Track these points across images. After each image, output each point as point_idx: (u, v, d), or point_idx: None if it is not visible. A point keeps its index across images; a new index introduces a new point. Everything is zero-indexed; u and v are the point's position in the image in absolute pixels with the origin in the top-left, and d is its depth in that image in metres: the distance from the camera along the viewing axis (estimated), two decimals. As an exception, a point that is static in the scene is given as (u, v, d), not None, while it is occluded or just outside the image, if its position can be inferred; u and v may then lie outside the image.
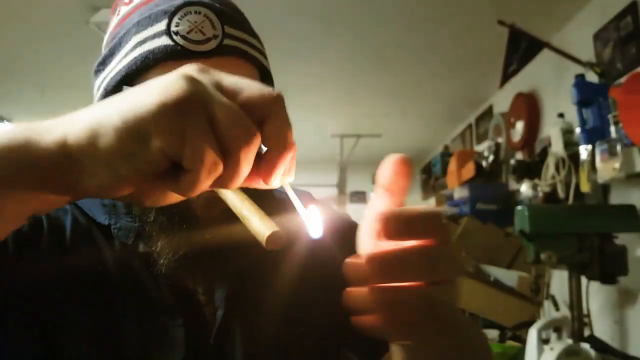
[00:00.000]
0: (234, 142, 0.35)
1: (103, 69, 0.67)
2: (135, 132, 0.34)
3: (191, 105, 0.34)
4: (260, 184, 0.39)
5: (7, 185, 0.37)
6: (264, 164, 0.38)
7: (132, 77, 0.62)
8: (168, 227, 0.62)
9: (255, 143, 0.36)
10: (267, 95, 0.37)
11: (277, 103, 0.37)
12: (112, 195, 0.38)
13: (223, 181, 0.36)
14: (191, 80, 0.35)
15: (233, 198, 0.46)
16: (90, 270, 0.62)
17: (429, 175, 5.40)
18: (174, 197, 0.40)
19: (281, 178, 0.39)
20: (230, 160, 0.36)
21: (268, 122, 0.37)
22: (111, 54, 0.65)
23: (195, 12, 0.60)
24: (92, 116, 0.37)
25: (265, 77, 0.69)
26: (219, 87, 0.37)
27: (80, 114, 0.38)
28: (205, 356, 0.63)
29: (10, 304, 0.57)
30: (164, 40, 0.60)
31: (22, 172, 0.37)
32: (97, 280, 0.62)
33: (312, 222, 0.42)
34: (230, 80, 0.37)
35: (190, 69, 0.37)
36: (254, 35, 0.67)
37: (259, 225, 0.42)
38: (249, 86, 0.37)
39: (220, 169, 0.36)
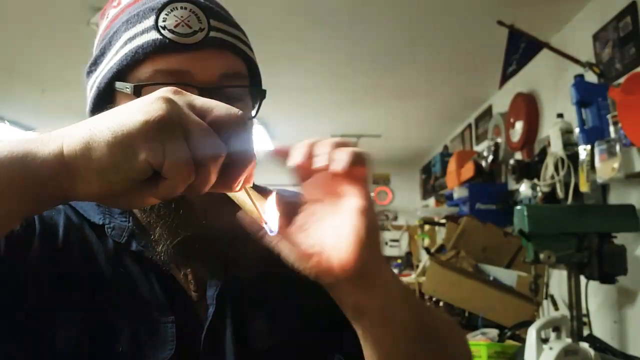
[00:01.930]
0: (204, 156, 0.41)
1: (95, 69, 0.68)
2: (125, 146, 0.39)
3: (170, 124, 0.40)
4: (223, 190, 0.45)
5: (9, 190, 0.41)
6: (229, 173, 0.43)
7: (123, 72, 0.64)
8: (165, 213, 0.64)
9: (222, 157, 0.42)
10: (233, 115, 0.43)
11: (240, 122, 0.43)
12: (101, 199, 0.43)
13: (194, 188, 0.42)
14: (168, 101, 0.41)
15: None
16: (83, 269, 0.63)
17: (429, 175, 5.40)
18: (151, 200, 0.45)
19: (242, 185, 0.46)
20: (201, 170, 0.41)
21: (233, 138, 0.43)
22: (102, 53, 0.67)
23: (181, 8, 0.63)
24: (84, 131, 0.41)
25: (251, 67, 0.71)
26: (192, 107, 0.42)
27: (72, 130, 0.43)
28: (196, 352, 0.64)
29: (1, 302, 0.58)
30: (153, 35, 0.62)
31: (23, 179, 0.41)
32: (90, 278, 0.63)
33: (272, 220, 0.49)
34: (201, 101, 0.43)
35: (166, 91, 0.42)
36: (238, 28, 0.69)
37: (254, 206, 0.49)
38: (217, 107, 0.43)
39: (193, 177, 0.41)
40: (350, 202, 0.48)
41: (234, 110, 0.43)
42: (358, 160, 0.47)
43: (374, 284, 0.51)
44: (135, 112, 0.40)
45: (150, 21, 0.63)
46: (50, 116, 4.30)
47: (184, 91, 0.43)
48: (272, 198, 0.50)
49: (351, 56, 3.04)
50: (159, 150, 0.39)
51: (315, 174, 0.49)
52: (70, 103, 3.94)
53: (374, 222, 0.48)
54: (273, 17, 2.48)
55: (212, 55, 0.63)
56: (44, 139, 0.43)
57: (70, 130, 0.43)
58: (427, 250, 3.46)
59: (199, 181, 0.42)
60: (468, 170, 3.47)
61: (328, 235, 0.49)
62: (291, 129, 4.93)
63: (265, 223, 0.49)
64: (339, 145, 0.48)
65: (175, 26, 0.62)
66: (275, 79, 3.26)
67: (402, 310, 0.55)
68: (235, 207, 0.53)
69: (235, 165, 0.43)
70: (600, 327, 2.04)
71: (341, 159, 0.46)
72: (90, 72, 0.69)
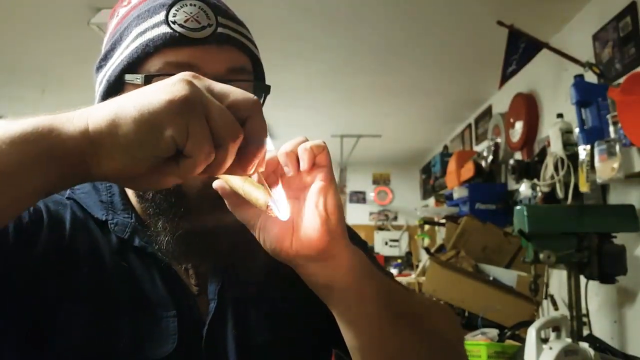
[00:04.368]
0: (224, 136, 0.43)
1: (105, 64, 0.70)
2: (151, 123, 0.41)
3: (193, 104, 0.41)
4: (238, 172, 0.47)
5: (34, 166, 0.42)
6: (243, 156, 0.46)
7: (133, 65, 0.65)
8: (165, 206, 0.65)
9: (240, 139, 0.44)
10: (249, 99, 0.45)
11: (256, 107, 0.45)
12: (124, 177, 0.44)
13: (212, 168, 0.44)
14: (190, 84, 0.42)
15: (234, 178, 0.54)
16: (88, 263, 0.64)
17: (429, 175, 5.40)
18: (171, 181, 0.47)
19: (255, 169, 0.48)
20: (220, 150, 0.43)
21: (248, 121, 0.45)
22: (112, 48, 0.69)
23: (191, 5, 0.65)
24: (110, 109, 0.43)
25: (255, 63, 0.72)
26: (210, 91, 0.44)
27: (97, 108, 0.44)
28: (198, 347, 0.65)
29: (6, 290, 0.59)
30: (163, 29, 0.64)
31: (49, 154, 0.42)
32: (94, 273, 0.64)
33: (282, 206, 0.51)
34: (219, 86, 0.45)
35: (186, 75, 0.44)
36: (243, 26, 0.71)
37: (259, 195, 0.51)
38: (234, 92, 0.45)
39: (212, 157, 0.43)
40: (314, 185, 0.53)
41: (249, 95, 0.45)
42: (318, 151, 0.53)
43: (339, 260, 0.54)
44: (159, 92, 0.42)
45: (160, 16, 0.65)
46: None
47: (201, 76, 0.45)
48: (279, 185, 0.52)
49: (351, 56, 3.04)
50: (183, 129, 0.41)
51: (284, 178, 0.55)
52: (70, 103, 3.93)
53: (336, 201, 0.52)
54: (273, 16, 2.48)
55: (219, 50, 0.65)
56: (68, 116, 0.44)
57: (94, 108, 0.44)
58: (427, 250, 3.46)
59: (217, 161, 0.43)
60: (468, 170, 3.47)
61: (295, 217, 0.53)
62: (291, 129, 4.93)
63: (276, 209, 0.51)
64: (298, 145, 0.54)
65: (185, 21, 0.64)
66: (275, 78, 3.25)
67: (369, 283, 0.57)
68: (224, 205, 0.56)
69: (249, 148, 0.45)
70: (600, 327, 2.04)
71: (304, 158, 0.53)
72: (99, 67, 0.71)
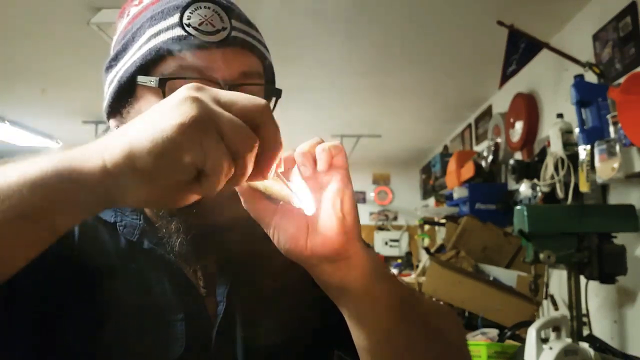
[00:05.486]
0: (240, 148, 0.42)
1: (115, 64, 0.69)
2: (167, 152, 0.40)
3: (204, 123, 0.41)
4: (258, 179, 0.47)
5: (61, 206, 0.43)
6: (262, 162, 0.45)
7: (146, 67, 0.65)
8: (179, 210, 0.64)
9: (256, 148, 0.43)
10: (257, 104, 0.44)
11: (266, 111, 0.44)
12: (149, 203, 0.45)
13: (234, 180, 0.44)
14: (196, 100, 0.41)
15: None
16: (96, 265, 0.64)
17: (429, 175, 5.40)
18: (194, 198, 0.47)
19: (275, 171, 0.48)
20: (238, 163, 0.43)
21: (261, 127, 0.44)
22: (124, 49, 0.68)
23: (205, 7, 0.64)
24: (123, 144, 0.42)
25: (267, 67, 0.72)
26: (217, 101, 0.43)
27: (109, 143, 0.43)
28: (207, 349, 0.64)
29: (15, 294, 0.58)
30: (177, 32, 0.64)
31: (75, 194, 0.43)
32: (102, 275, 0.64)
33: (306, 201, 0.52)
34: (224, 94, 0.44)
35: (189, 89, 0.43)
36: (256, 30, 0.72)
37: (282, 189, 0.52)
38: (241, 99, 0.44)
39: (232, 171, 0.43)
40: (331, 186, 0.53)
41: (257, 99, 0.45)
42: (335, 152, 0.53)
43: (353, 261, 0.54)
44: (166, 116, 0.41)
45: (174, 18, 0.64)
46: (50, 116, 4.31)
47: (205, 86, 0.44)
48: (299, 179, 0.53)
49: (351, 56, 3.04)
50: (200, 150, 0.40)
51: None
52: (70, 103, 3.95)
53: (352, 203, 0.52)
54: (273, 17, 2.48)
55: (233, 54, 0.65)
56: (83, 153, 0.43)
57: (106, 143, 0.43)
58: (427, 250, 3.46)
59: (238, 173, 0.43)
60: (468, 170, 3.47)
61: (310, 217, 0.53)
62: (291, 129, 4.92)
63: (300, 202, 0.51)
64: (315, 146, 0.54)
65: (200, 24, 0.63)
66: (275, 79, 3.25)
67: (382, 285, 0.57)
68: (239, 204, 0.56)
69: (266, 152, 0.45)
70: (600, 327, 2.04)
71: (322, 159, 0.53)
72: (110, 67, 0.70)
